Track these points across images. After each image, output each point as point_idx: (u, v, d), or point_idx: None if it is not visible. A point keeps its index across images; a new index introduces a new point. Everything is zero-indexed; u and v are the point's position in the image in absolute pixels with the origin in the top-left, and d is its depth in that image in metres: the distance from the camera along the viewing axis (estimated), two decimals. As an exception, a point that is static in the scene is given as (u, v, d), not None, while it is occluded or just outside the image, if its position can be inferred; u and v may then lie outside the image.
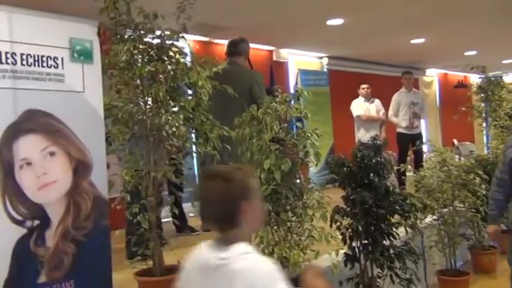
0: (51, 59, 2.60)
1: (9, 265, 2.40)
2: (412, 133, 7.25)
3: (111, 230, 2.89)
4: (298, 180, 2.93)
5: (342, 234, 3.37)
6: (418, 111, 7.35)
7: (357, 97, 7.47)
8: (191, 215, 5.20)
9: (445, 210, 4.39)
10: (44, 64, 2.58)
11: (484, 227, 4.45)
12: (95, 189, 2.74)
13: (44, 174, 2.53)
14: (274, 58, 8.38)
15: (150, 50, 2.98)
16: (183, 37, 3.05)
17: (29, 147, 2.49)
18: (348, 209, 3.37)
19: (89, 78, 2.75)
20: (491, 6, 6.26)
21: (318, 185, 3.09)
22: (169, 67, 3.00)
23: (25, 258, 2.46)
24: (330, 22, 6.66)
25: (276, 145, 2.81)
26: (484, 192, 4.30)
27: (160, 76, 2.98)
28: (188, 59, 3.10)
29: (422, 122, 8.04)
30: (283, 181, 2.78)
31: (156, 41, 3.01)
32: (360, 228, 3.29)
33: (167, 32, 2.98)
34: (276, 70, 7.97)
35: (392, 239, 3.37)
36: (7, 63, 2.44)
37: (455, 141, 10.36)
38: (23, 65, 2.50)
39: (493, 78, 6.77)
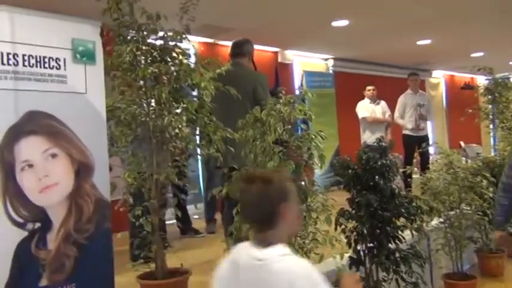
0: (53, 60, 2.57)
1: (10, 268, 2.37)
2: (418, 135, 7.20)
3: (114, 233, 2.87)
4: (302, 183, 2.89)
5: (346, 237, 3.32)
6: (425, 113, 7.29)
7: (363, 99, 7.45)
8: (195, 217, 5.19)
9: (452, 213, 4.34)
10: (46, 65, 2.55)
11: (492, 230, 4.40)
12: (97, 191, 2.71)
13: (45, 177, 2.50)
14: (279, 59, 8.36)
15: (153, 51, 2.96)
16: (186, 38, 3.03)
17: (30, 149, 2.47)
18: (353, 211, 3.33)
19: (92, 79, 2.72)
20: (499, 7, 6.21)
21: (322, 187, 3.06)
22: (172, 68, 2.98)
23: (26, 261, 2.43)
24: (335, 23, 6.64)
25: (280, 147, 2.78)
26: (491, 195, 4.24)
27: (164, 77, 2.96)
28: (192, 60, 3.08)
29: (429, 124, 7.98)
30: (287, 183, 2.74)
31: (159, 42, 2.99)
32: (365, 231, 3.25)
33: (170, 33, 2.96)
34: (281, 72, 7.96)
35: (398, 242, 3.33)
36: (9, 64, 2.41)
37: (462, 143, 10.32)
38: (25, 66, 2.47)
39: (500, 80, 6.71)
